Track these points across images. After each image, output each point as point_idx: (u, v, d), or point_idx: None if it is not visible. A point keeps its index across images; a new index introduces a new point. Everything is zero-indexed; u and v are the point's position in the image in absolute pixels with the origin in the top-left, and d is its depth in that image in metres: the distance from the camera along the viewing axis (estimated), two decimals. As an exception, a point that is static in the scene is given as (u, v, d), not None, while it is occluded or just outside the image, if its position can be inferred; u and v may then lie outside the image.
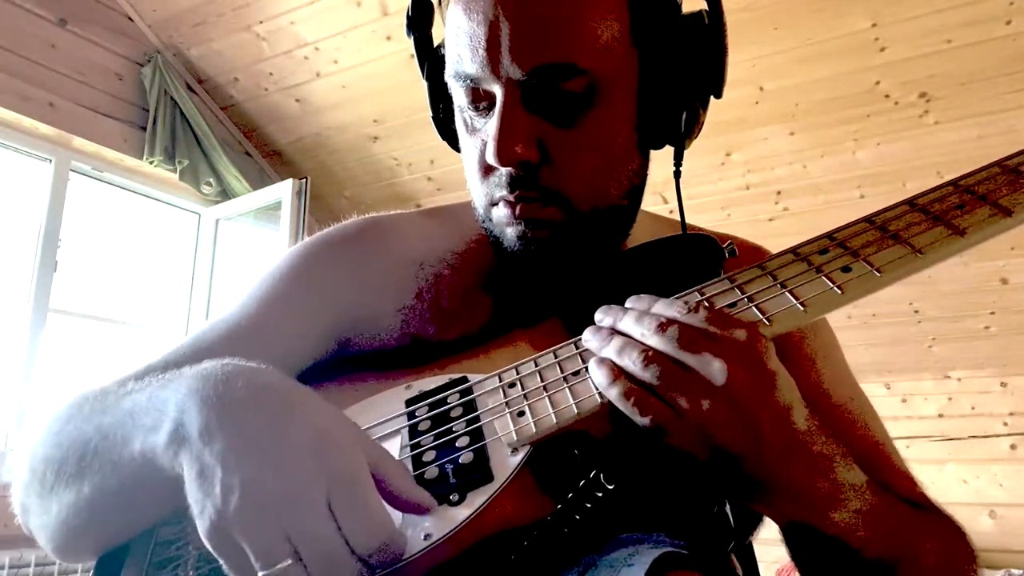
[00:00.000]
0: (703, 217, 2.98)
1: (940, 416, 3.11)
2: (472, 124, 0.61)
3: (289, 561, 0.39)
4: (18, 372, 2.46)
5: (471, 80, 0.57)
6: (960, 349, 3.02)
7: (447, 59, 0.60)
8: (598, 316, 0.51)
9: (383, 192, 3.40)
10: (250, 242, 3.29)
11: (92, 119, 2.80)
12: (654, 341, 0.45)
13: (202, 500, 0.41)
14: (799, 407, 0.45)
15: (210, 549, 0.41)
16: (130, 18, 2.96)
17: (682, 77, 0.60)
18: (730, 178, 2.85)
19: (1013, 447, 2.97)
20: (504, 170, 0.57)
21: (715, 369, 0.42)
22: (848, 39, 2.34)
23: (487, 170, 0.60)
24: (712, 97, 0.62)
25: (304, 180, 3.03)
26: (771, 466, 0.44)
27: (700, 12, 0.60)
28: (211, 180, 3.09)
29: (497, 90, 0.56)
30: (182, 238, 3.25)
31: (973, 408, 3.06)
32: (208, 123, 3.09)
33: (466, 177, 0.64)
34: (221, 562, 0.41)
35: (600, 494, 0.44)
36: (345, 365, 0.65)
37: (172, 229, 3.26)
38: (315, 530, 0.39)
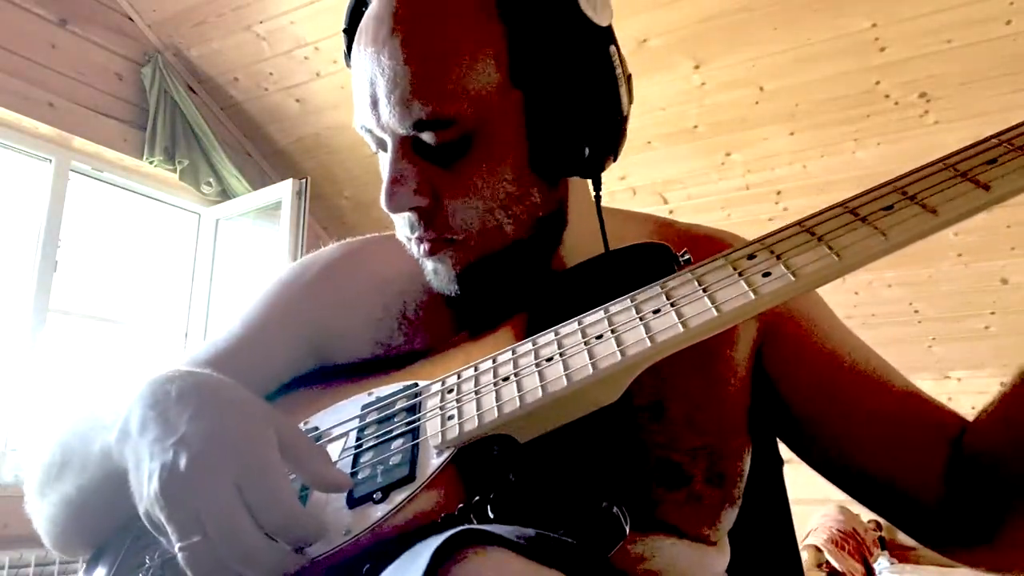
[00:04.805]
0: (703, 217, 2.98)
1: (940, 416, 3.11)
2: (383, 167, 0.64)
3: (198, 537, 0.42)
4: (18, 372, 2.46)
5: (367, 130, 0.62)
6: (960, 349, 3.03)
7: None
8: None
9: (383, 192, 3.40)
10: (250, 242, 3.29)
11: (92, 119, 2.80)
12: None
13: (136, 486, 0.47)
14: None
15: (150, 529, 0.46)
16: (130, 18, 2.97)
17: (570, 112, 0.59)
18: (730, 178, 2.85)
19: (1013, 447, 2.97)
20: (404, 213, 0.61)
21: None
22: (848, 39, 2.34)
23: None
24: (618, 125, 0.61)
25: (304, 180, 3.03)
26: None
27: (587, 45, 0.59)
28: (211, 180, 3.09)
29: (387, 139, 0.60)
30: (182, 238, 3.25)
31: (973, 408, 3.02)
32: (208, 123, 3.09)
33: None
34: (160, 540, 0.46)
35: (498, 494, 0.47)
36: (320, 375, 0.70)
37: (172, 229, 3.26)
38: (219, 507, 0.43)
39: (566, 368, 0.50)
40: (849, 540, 2.92)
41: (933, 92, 2.39)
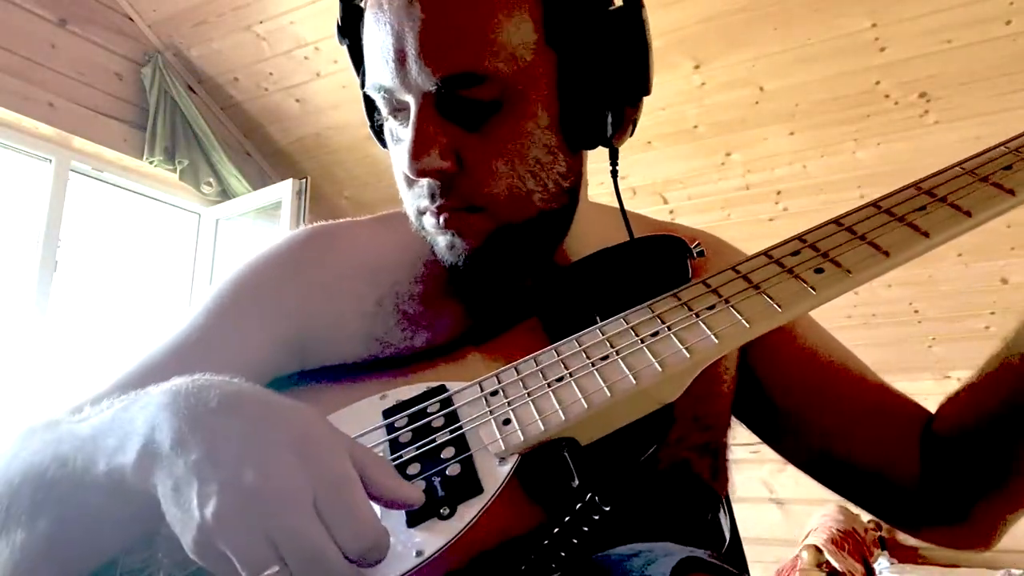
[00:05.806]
0: (703, 217, 2.98)
1: (940, 416, 3.10)
2: (396, 134, 0.60)
3: (276, 567, 0.36)
4: (18, 372, 2.46)
5: (385, 91, 0.57)
6: (960, 349, 3.02)
7: (366, 70, 0.60)
8: None
9: (383, 192, 3.40)
10: (250, 242, 3.28)
11: (92, 119, 2.80)
12: None
13: (181, 515, 0.39)
14: None
15: (201, 564, 0.39)
16: (130, 18, 2.96)
17: (602, 77, 0.58)
18: (730, 178, 2.85)
19: (1013, 447, 2.96)
20: (424, 180, 0.57)
21: None
22: (848, 39, 2.34)
23: (410, 180, 0.59)
24: (642, 95, 0.60)
25: (304, 180, 3.02)
26: None
27: (620, 9, 0.58)
28: (211, 180, 3.09)
29: (410, 100, 0.56)
30: (182, 238, 3.25)
31: (973, 408, 3.05)
32: (208, 123, 3.08)
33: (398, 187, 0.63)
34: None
35: (597, 516, 0.44)
36: (312, 375, 0.64)
37: (172, 229, 3.26)
38: (301, 529, 0.37)
39: (629, 367, 0.48)
40: (849, 540, 2.92)
41: (933, 92, 2.39)
